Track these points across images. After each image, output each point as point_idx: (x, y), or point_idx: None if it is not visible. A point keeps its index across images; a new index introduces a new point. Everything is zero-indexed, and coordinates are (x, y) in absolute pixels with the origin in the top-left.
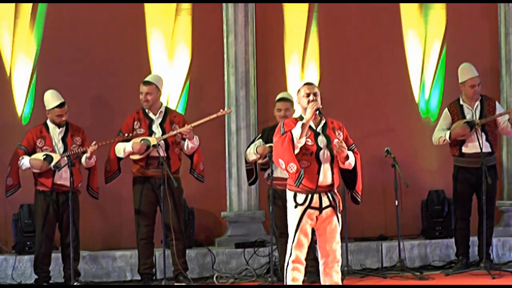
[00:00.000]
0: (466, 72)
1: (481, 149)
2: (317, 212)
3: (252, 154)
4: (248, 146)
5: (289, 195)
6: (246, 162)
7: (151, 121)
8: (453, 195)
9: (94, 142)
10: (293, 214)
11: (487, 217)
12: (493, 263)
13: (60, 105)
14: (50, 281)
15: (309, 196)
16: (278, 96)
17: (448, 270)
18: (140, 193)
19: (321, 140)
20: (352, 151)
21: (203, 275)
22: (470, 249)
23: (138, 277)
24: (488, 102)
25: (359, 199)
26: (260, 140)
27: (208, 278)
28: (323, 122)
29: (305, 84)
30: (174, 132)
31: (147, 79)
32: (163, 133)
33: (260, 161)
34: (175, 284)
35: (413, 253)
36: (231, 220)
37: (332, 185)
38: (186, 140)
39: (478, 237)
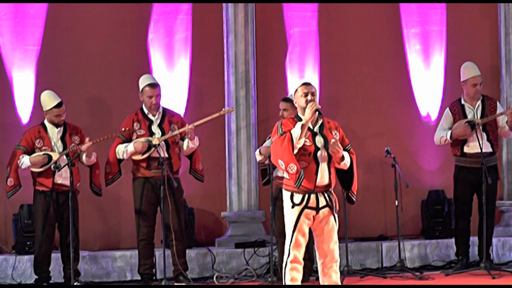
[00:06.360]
0: (468, 70)
1: (481, 149)
2: (314, 212)
3: (257, 155)
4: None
5: (286, 195)
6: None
7: (151, 122)
8: (454, 195)
9: (88, 139)
10: (290, 214)
11: (487, 217)
12: (493, 263)
13: (58, 105)
14: (50, 281)
15: (306, 196)
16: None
17: (448, 270)
18: (140, 194)
19: (319, 140)
20: (348, 151)
21: (203, 275)
22: (470, 249)
23: (138, 277)
24: (489, 102)
25: (354, 199)
26: (270, 140)
27: (208, 278)
28: (320, 122)
29: (303, 84)
30: (176, 132)
31: (151, 81)
32: (163, 133)
33: (266, 161)
34: (175, 284)
35: (413, 253)
36: (231, 220)
37: (329, 185)
38: (186, 140)
39: (478, 237)
